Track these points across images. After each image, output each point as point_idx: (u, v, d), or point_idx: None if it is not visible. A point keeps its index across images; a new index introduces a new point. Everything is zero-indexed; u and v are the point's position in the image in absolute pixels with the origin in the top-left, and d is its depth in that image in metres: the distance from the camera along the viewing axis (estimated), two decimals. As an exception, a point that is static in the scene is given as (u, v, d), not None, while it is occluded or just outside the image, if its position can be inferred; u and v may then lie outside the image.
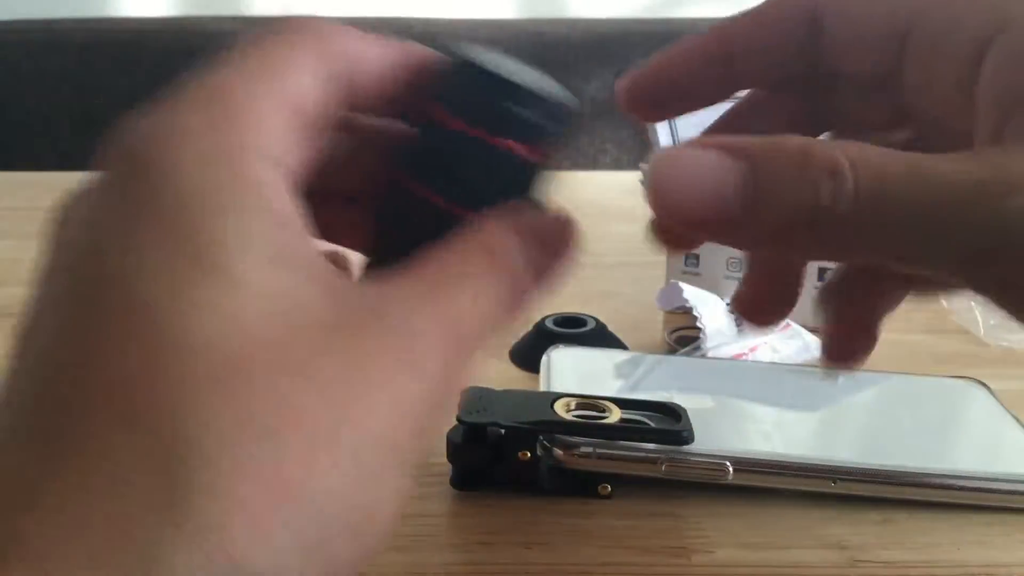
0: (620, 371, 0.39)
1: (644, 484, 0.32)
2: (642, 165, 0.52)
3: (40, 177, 0.80)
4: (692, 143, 0.20)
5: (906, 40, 0.24)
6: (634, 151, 1.26)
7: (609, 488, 0.32)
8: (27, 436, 0.16)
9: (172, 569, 0.15)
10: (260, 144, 0.18)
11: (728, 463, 0.31)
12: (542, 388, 0.36)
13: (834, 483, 0.31)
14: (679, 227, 0.22)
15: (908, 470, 0.32)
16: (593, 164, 1.27)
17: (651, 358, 0.40)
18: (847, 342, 0.29)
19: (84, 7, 1.38)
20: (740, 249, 0.22)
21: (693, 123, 0.50)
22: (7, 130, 1.25)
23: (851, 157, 0.19)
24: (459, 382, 0.19)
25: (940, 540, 0.31)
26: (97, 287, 0.17)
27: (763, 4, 0.26)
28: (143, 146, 0.18)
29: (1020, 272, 0.19)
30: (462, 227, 0.20)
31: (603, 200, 0.74)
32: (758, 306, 0.28)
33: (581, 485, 0.33)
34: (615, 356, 0.41)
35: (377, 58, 0.22)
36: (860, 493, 0.32)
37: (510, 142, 0.21)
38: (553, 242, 0.22)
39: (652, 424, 0.32)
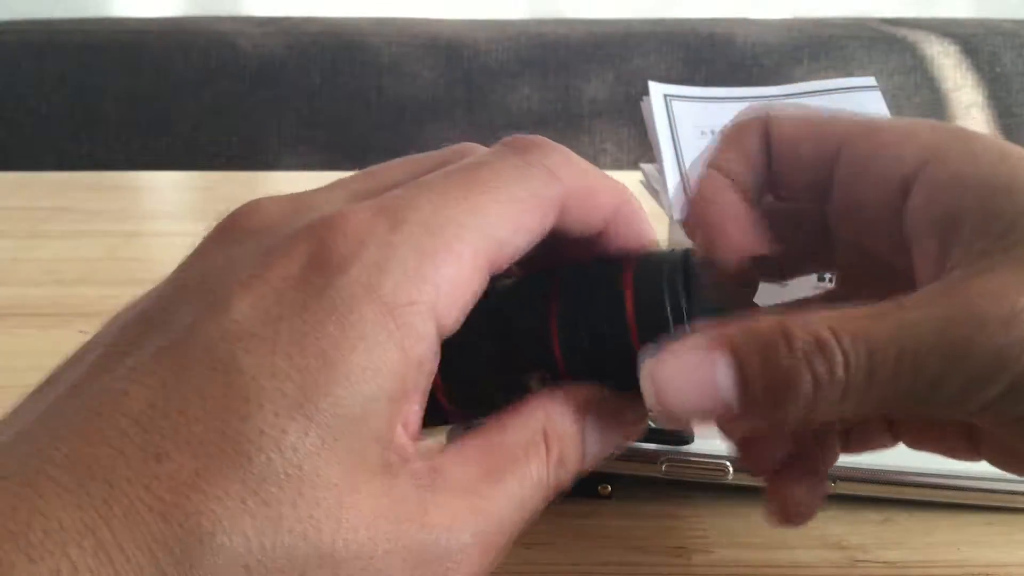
0: None
1: (644, 484, 0.32)
2: (642, 165, 0.52)
3: (40, 177, 0.81)
4: (680, 343, 0.21)
5: (834, 166, 0.24)
6: (634, 151, 1.26)
7: (609, 488, 0.32)
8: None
9: None
10: (431, 300, 0.19)
11: (728, 463, 0.31)
12: None
13: (834, 483, 0.31)
14: (692, 421, 0.23)
15: (908, 470, 0.32)
16: (593, 164, 1.27)
17: None
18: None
19: (84, 7, 1.38)
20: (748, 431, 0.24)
21: (692, 123, 0.50)
22: (7, 130, 1.25)
23: (834, 327, 0.20)
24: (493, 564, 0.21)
25: (940, 540, 0.31)
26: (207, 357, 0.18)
27: (728, 128, 0.26)
28: (330, 239, 0.19)
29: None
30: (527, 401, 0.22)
31: (603, 200, 0.74)
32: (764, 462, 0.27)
33: (581, 485, 0.32)
34: None
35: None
36: (860, 493, 0.32)
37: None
38: (616, 426, 0.23)
39: (652, 424, 0.32)
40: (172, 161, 1.22)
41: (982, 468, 0.32)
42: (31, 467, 0.16)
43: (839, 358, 0.19)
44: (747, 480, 0.31)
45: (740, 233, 0.25)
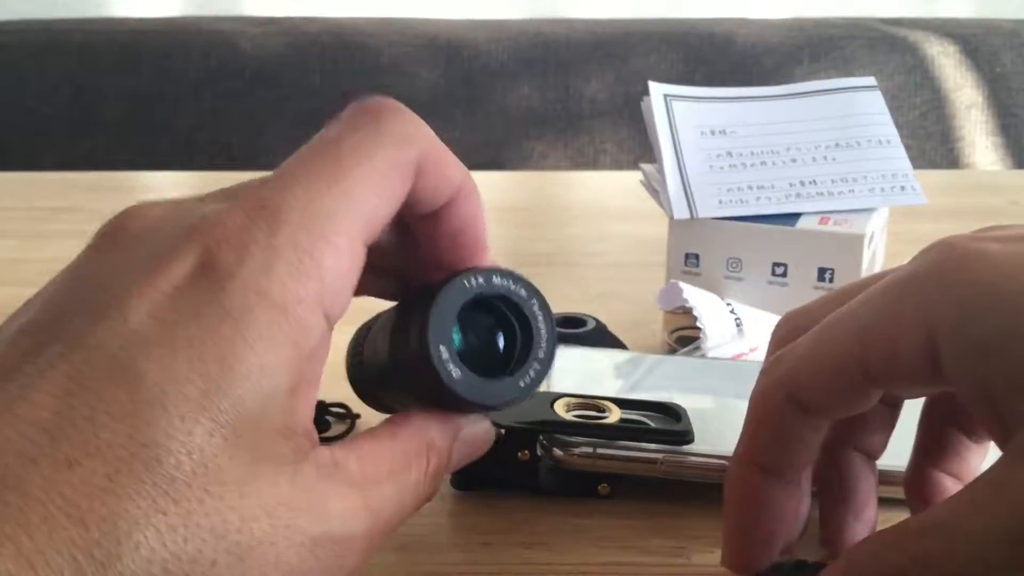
0: (620, 371, 0.39)
1: (644, 484, 0.32)
2: (642, 165, 0.52)
3: (40, 177, 0.81)
4: None
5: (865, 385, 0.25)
6: (634, 151, 1.26)
7: (609, 488, 0.32)
8: None
9: None
10: (317, 294, 0.20)
11: (727, 462, 0.31)
12: (542, 388, 0.36)
13: None
14: None
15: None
16: (593, 164, 1.27)
17: (651, 358, 0.40)
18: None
19: (84, 7, 1.38)
20: None
21: (692, 123, 0.50)
22: (7, 130, 1.25)
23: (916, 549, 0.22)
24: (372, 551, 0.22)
25: (940, 540, 0.31)
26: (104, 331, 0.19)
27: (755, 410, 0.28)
28: (215, 246, 0.20)
29: None
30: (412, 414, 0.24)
31: (603, 200, 0.74)
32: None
33: (581, 485, 0.33)
34: (615, 356, 0.41)
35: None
36: None
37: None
38: (473, 445, 0.26)
39: (652, 424, 0.32)
40: (172, 161, 1.22)
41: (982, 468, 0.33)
42: None
43: None
44: None
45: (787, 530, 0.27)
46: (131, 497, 0.17)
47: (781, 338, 0.28)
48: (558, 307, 0.46)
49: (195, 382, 0.19)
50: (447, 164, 0.24)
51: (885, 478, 0.32)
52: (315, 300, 0.20)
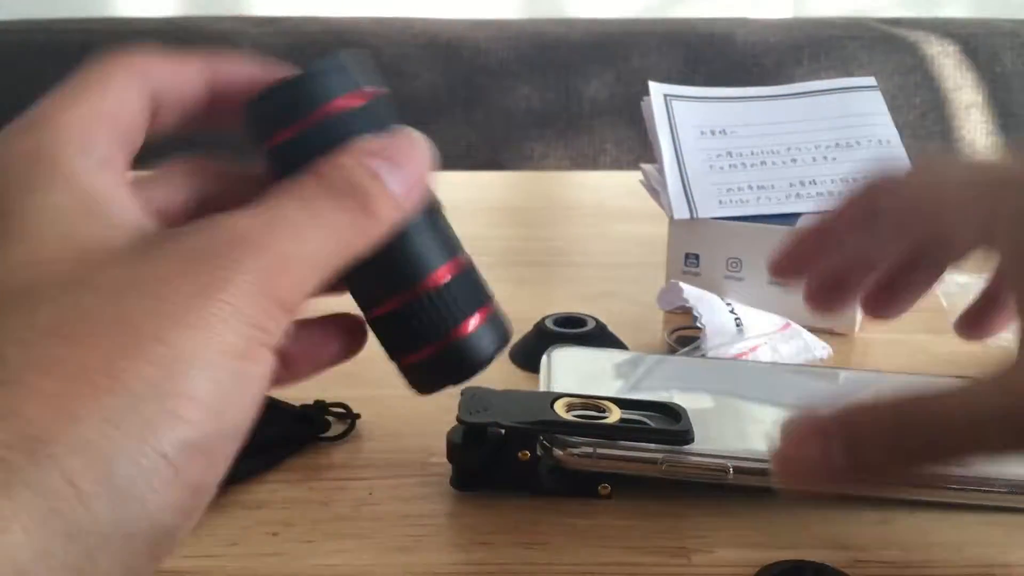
0: (620, 371, 0.39)
1: (644, 484, 0.32)
2: (643, 165, 0.52)
3: (40, 177, 0.80)
4: (800, 426, 0.26)
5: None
6: (634, 151, 1.26)
7: (609, 488, 0.32)
8: None
9: None
10: (80, 145, 0.21)
11: (728, 463, 0.31)
12: (542, 388, 0.36)
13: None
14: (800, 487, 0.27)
15: None
16: (593, 164, 1.27)
17: (651, 358, 0.40)
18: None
19: (84, 7, 1.38)
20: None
21: (692, 123, 0.50)
22: (7, 130, 1.25)
23: (932, 400, 0.25)
24: (271, 316, 0.20)
25: (940, 540, 0.31)
26: None
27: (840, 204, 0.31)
28: None
29: None
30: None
31: (603, 200, 0.74)
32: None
33: (581, 485, 0.33)
34: (615, 356, 0.41)
35: (182, 76, 0.24)
36: (860, 493, 0.32)
37: (325, 109, 0.23)
38: (396, 152, 0.23)
39: (652, 424, 0.32)
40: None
41: (982, 468, 0.33)
42: None
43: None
44: (747, 480, 0.31)
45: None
46: None
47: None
48: (558, 307, 0.46)
49: None
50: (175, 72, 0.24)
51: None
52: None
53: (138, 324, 0.18)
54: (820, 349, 0.44)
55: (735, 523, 0.31)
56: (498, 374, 0.42)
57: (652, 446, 0.31)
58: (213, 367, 0.19)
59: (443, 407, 0.33)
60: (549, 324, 0.44)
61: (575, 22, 1.37)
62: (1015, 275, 0.26)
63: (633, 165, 0.77)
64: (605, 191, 0.78)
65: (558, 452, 0.31)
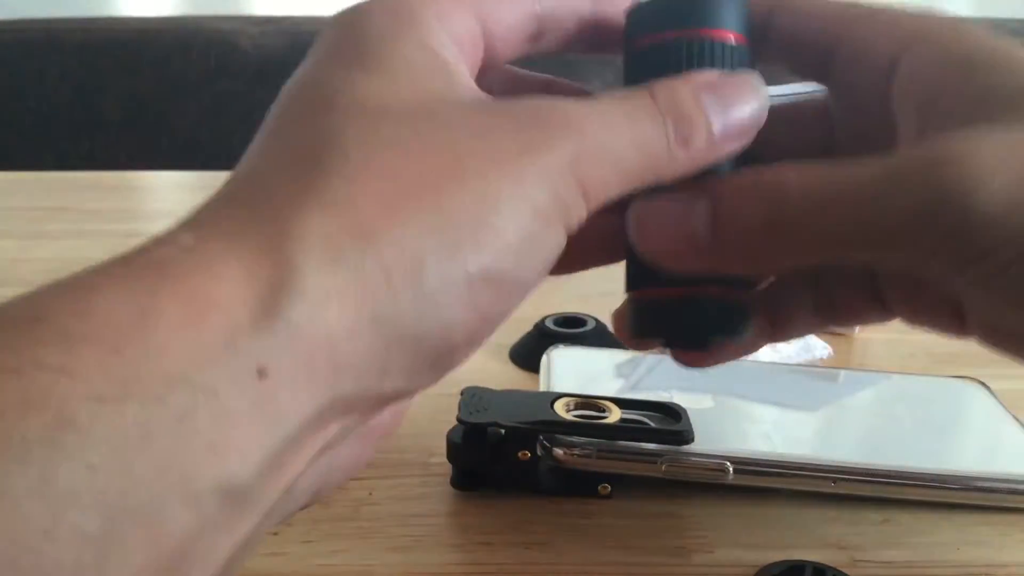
0: (620, 371, 0.39)
1: (644, 484, 0.32)
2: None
3: (40, 177, 0.81)
4: (663, 192, 0.23)
5: (833, 53, 0.26)
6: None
7: (609, 488, 0.32)
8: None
9: (305, 230, 0.18)
10: (438, 15, 0.22)
11: (728, 463, 0.31)
12: (542, 388, 0.36)
13: (834, 483, 0.31)
14: (661, 264, 0.24)
15: (908, 470, 0.32)
16: (593, 164, 1.27)
17: (651, 358, 0.40)
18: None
19: (84, 7, 1.38)
20: (718, 273, 0.25)
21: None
22: (7, 130, 1.25)
23: (797, 171, 0.22)
24: (573, 206, 0.21)
25: (940, 540, 0.31)
26: (302, 89, 0.22)
27: None
28: (352, 14, 0.23)
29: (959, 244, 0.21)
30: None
31: (603, 200, 0.74)
32: None
33: (581, 485, 0.33)
34: (615, 356, 0.41)
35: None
36: (860, 493, 0.32)
37: (699, 31, 0.25)
38: (732, 94, 0.23)
39: (652, 424, 0.33)
40: (172, 161, 1.22)
41: (982, 468, 0.33)
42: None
43: (793, 189, 0.22)
44: (747, 480, 0.31)
45: None
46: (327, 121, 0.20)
47: None
48: (558, 307, 0.46)
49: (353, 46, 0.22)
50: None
51: (885, 478, 0.32)
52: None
53: (465, 158, 0.20)
54: (820, 349, 0.44)
55: (735, 523, 0.31)
56: (498, 374, 0.42)
57: (652, 446, 0.31)
58: (521, 215, 0.20)
59: (443, 407, 0.33)
60: (549, 324, 0.44)
61: (575, 22, 1.37)
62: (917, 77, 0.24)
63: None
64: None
65: (558, 452, 0.31)
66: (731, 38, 0.25)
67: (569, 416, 0.32)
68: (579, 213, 0.21)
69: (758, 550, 0.30)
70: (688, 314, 0.25)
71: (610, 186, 0.22)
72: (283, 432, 0.17)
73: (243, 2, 1.47)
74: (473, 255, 0.19)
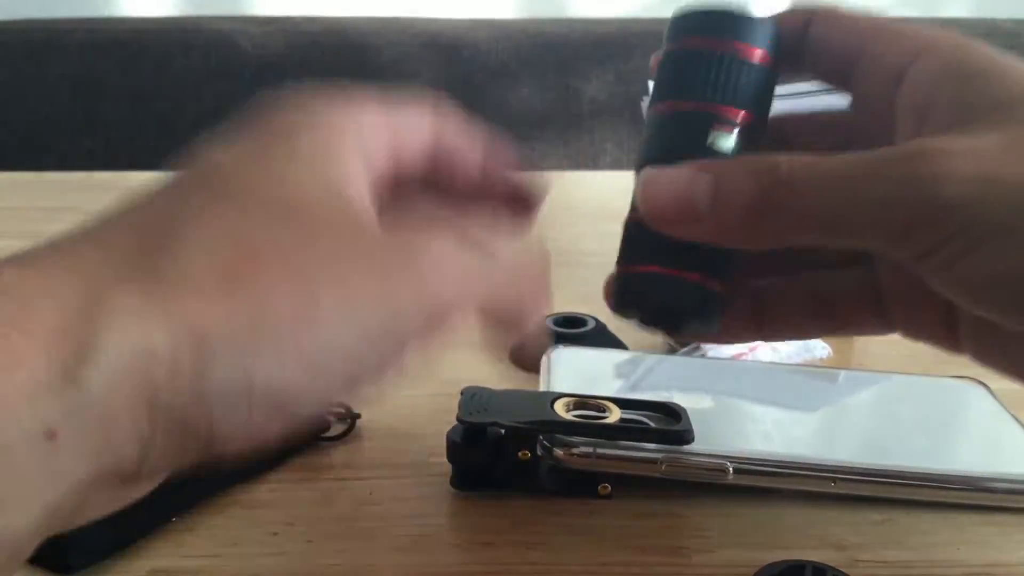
0: (620, 371, 0.39)
1: (644, 484, 0.32)
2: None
3: (40, 177, 0.80)
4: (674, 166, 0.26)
5: (855, 64, 0.28)
6: (634, 151, 1.25)
7: (609, 488, 0.32)
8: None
9: (119, 302, 0.18)
10: (359, 137, 0.24)
11: (728, 463, 0.31)
12: (542, 388, 0.36)
13: (834, 483, 0.31)
14: (663, 228, 0.27)
15: (908, 470, 0.32)
16: (593, 164, 1.27)
17: (651, 358, 0.40)
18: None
19: (84, 7, 1.38)
20: (712, 244, 0.26)
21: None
22: (7, 130, 1.25)
23: (789, 157, 0.25)
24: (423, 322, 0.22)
25: (940, 540, 0.31)
26: (199, 160, 0.23)
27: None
28: (280, 117, 0.24)
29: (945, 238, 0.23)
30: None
31: (603, 200, 0.74)
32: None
33: (581, 485, 0.33)
34: (615, 356, 0.41)
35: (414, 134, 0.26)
36: (860, 493, 0.32)
37: (733, 45, 0.27)
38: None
39: (652, 424, 0.33)
40: (172, 161, 1.21)
41: (982, 468, 0.33)
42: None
43: (784, 172, 0.24)
44: (747, 480, 0.31)
45: None
46: (192, 202, 0.21)
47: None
48: (558, 307, 0.46)
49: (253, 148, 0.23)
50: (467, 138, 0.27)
51: (885, 478, 0.32)
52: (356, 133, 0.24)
53: (314, 279, 0.20)
54: (820, 349, 0.44)
55: (735, 523, 0.31)
56: (498, 374, 0.42)
57: (652, 446, 0.31)
58: (336, 342, 0.20)
59: (443, 407, 0.33)
60: (549, 324, 0.44)
61: (575, 22, 1.37)
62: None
63: (633, 165, 0.77)
64: (605, 191, 0.77)
65: (558, 452, 0.31)
66: (758, 59, 0.27)
67: (569, 416, 0.32)
68: (417, 342, 0.22)
69: (758, 550, 0.30)
70: (666, 292, 0.27)
71: (459, 302, 0.23)
72: (63, 490, 0.18)
73: (243, 2, 1.47)
74: (264, 370, 0.19)
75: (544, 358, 0.39)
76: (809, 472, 0.31)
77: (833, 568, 0.28)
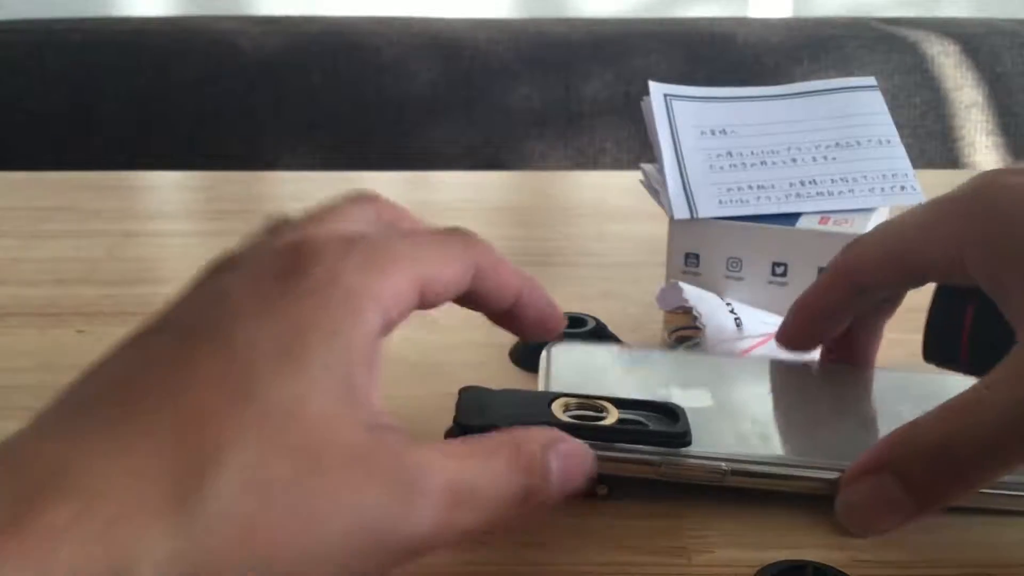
0: (621, 367, 0.39)
1: (643, 484, 0.32)
2: (643, 165, 0.52)
3: (40, 177, 0.80)
4: (851, 471, 0.30)
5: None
6: (634, 151, 1.26)
7: (607, 489, 0.32)
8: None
9: (145, 551, 0.19)
10: (378, 318, 0.25)
11: (725, 465, 0.31)
12: (541, 384, 0.36)
13: (831, 484, 0.31)
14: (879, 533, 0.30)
15: None
16: (593, 164, 1.27)
17: (652, 354, 0.40)
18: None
19: (84, 7, 1.38)
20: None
21: (692, 123, 0.50)
22: (7, 130, 1.25)
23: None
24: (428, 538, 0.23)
25: (940, 540, 0.31)
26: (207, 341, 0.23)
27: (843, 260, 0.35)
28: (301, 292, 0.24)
29: None
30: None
31: (603, 200, 0.74)
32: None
33: None
34: (615, 352, 0.41)
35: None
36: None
37: None
38: (575, 462, 0.27)
39: (650, 425, 0.32)
40: (172, 161, 1.22)
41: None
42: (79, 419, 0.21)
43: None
44: (744, 482, 0.31)
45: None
46: (226, 423, 0.21)
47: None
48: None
49: (282, 338, 0.22)
50: (504, 271, 0.29)
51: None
52: (376, 299, 0.24)
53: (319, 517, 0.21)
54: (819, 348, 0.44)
55: (735, 523, 0.31)
56: (497, 374, 0.42)
57: (650, 448, 0.31)
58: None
59: (442, 407, 0.33)
60: (549, 324, 0.44)
61: (575, 22, 1.37)
62: (1004, 289, 0.29)
63: (633, 165, 0.77)
64: (605, 191, 0.77)
65: None
66: None
67: (566, 417, 0.32)
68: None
69: (758, 550, 0.30)
70: None
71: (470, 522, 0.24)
72: None
73: (243, 2, 1.47)
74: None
75: (543, 353, 0.39)
76: (809, 473, 0.31)
77: (833, 568, 0.28)
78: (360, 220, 0.28)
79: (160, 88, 1.25)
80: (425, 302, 0.27)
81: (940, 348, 0.35)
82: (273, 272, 0.24)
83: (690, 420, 0.32)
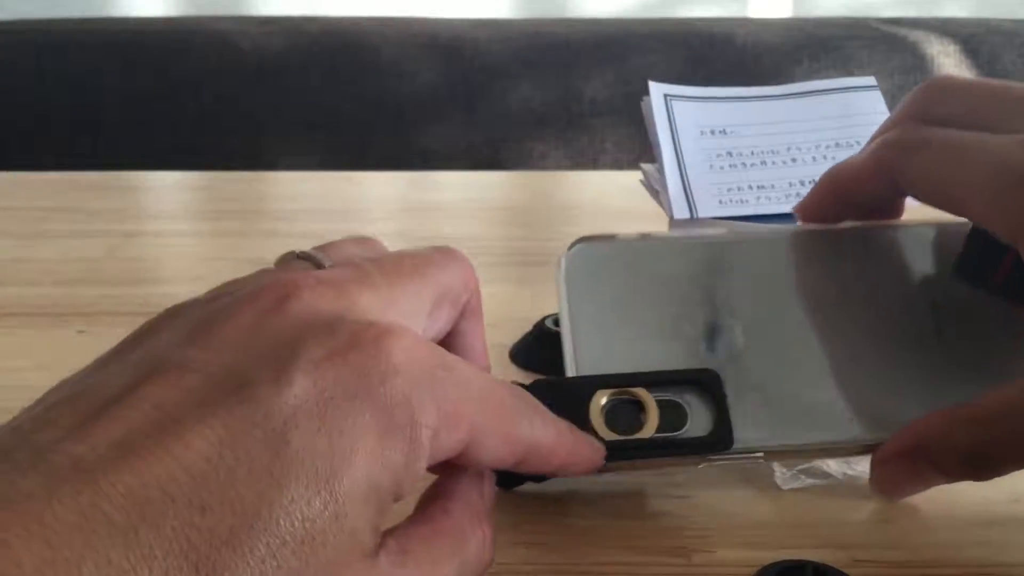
0: (658, 277, 0.34)
1: (644, 484, 0.32)
2: (643, 165, 0.52)
3: (39, 177, 0.81)
4: (884, 452, 0.31)
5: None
6: (634, 151, 1.26)
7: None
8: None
9: None
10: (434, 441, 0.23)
11: (762, 455, 0.30)
12: (560, 303, 0.33)
13: (871, 447, 0.31)
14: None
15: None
16: (593, 164, 1.27)
17: (679, 242, 0.35)
18: None
19: (84, 7, 1.38)
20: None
21: (692, 123, 0.50)
22: (7, 130, 1.25)
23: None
24: None
25: (940, 540, 0.31)
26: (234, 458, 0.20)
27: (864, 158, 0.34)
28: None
29: None
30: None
31: (603, 200, 0.74)
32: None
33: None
34: (644, 249, 0.34)
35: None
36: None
37: None
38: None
39: (687, 406, 0.30)
40: (172, 161, 1.22)
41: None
42: (87, 500, 0.18)
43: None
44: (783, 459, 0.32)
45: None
46: (245, 553, 0.19)
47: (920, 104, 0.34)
48: (558, 307, 0.46)
49: (328, 458, 0.20)
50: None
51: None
52: (434, 431, 0.23)
53: None
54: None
55: (735, 523, 0.31)
56: (497, 374, 0.42)
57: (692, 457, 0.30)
58: None
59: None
60: (549, 324, 0.44)
61: (575, 22, 1.37)
62: None
63: (633, 165, 0.77)
64: (605, 191, 0.77)
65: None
66: None
67: (601, 421, 0.29)
68: None
69: (758, 550, 0.30)
70: None
71: None
72: None
73: (243, 2, 1.47)
74: None
75: (560, 260, 0.34)
76: (842, 446, 0.31)
77: (833, 568, 0.28)
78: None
79: (160, 88, 1.25)
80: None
81: (974, 265, 0.33)
82: (335, 347, 0.22)
83: (727, 348, 0.32)
